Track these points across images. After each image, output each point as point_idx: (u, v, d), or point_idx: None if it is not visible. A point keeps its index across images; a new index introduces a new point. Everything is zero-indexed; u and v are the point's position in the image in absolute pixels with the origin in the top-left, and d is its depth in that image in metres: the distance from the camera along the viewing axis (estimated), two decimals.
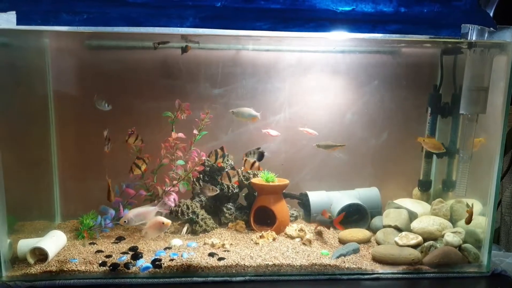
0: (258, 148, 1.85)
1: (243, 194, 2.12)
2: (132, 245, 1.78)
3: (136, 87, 2.03)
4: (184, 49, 1.82)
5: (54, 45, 1.97)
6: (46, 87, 1.98)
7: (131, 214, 1.64)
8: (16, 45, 1.74)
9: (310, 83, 2.11)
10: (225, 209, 2.04)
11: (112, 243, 1.81)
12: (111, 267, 1.58)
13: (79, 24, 1.43)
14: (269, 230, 1.91)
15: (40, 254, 1.62)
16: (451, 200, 1.96)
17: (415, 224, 1.86)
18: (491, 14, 1.66)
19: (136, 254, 1.66)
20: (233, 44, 2.04)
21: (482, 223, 1.74)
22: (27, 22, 1.41)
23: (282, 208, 1.99)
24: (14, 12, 1.40)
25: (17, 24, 1.40)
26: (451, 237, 1.75)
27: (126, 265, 1.59)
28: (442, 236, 1.78)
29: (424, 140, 1.94)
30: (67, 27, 1.46)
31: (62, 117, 2.03)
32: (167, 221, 1.67)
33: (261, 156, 1.84)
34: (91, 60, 2.01)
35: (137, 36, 1.89)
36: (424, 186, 2.10)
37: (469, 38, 1.61)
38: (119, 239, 1.85)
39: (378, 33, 1.52)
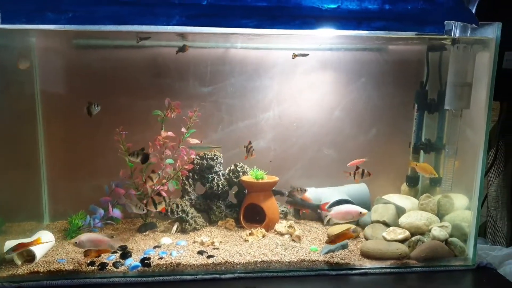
0: (142, 149, 1.79)
1: (233, 192, 2.12)
2: (121, 244, 1.77)
3: (124, 86, 2.03)
4: (182, 49, 1.81)
5: (40, 44, 1.95)
6: (33, 87, 1.97)
7: (84, 237, 1.57)
8: (1, 44, 1.72)
9: (299, 81, 2.13)
10: (215, 207, 2.04)
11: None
12: (99, 267, 1.57)
13: (65, 22, 1.43)
14: (259, 227, 1.92)
15: (28, 255, 1.61)
16: (438, 195, 1.99)
17: (403, 219, 1.88)
18: (473, 11, 1.69)
19: (125, 253, 1.66)
20: (222, 43, 2.04)
21: (468, 217, 1.77)
22: (11, 21, 1.41)
23: (272, 205, 2.01)
24: None
25: (1, 23, 1.39)
26: (438, 231, 1.77)
27: (115, 264, 1.59)
28: (430, 230, 1.80)
29: (416, 165, 1.98)
30: (53, 25, 1.46)
31: (49, 116, 2.02)
32: (364, 211, 1.71)
33: (145, 158, 1.77)
34: (79, 59, 2.00)
35: (124, 34, 1.89)
36: (412, 181, 2.13)
37: (452, 35, 1.64)
38: None
39: (363, 30, 1.54)
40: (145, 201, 1.76)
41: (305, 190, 1.93)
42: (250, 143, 1.95)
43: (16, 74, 1.85)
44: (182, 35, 1.81)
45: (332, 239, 1.67)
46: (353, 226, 1.74)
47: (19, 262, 1.58)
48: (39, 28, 1.53)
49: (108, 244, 1.58)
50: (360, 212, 1.73)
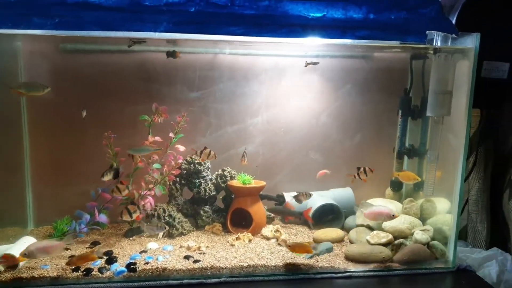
0: (111, 166, 1.80)
1: (221, 197, 2.13)
2: (107, 249, 1.77)
3: (112, 90, 2.02)
4: (172, 54, 1.82)
5: (27, 48, 1.94)
6: None
7: (33, 247, 1.50)
8: None
9: (287, 87, 2.15)
10: (202, 212, 2.05)
11: (87, 248, 1.80)
12: (84, 272, 1.57)
13: (51, 28, 1.42)
14: (246, 232, 1.93)
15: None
16: (421, 199, 2.03)
17: (386, 223, 1.91)
18: (454, 22, 1.75)
19: (111, 259, 1.66)
20: (211, 48, 2.06)
21: (449, 221, 1.81)
22: None
23: (259, 210, 2.02)
24: None
25: None
26: (420, 234, 1.81)
27: (100, 270, 1.58)
28: (412, 234, 1.85)
29: (399, 175, 2.02)
30: (40, 30, 1.46)
31: (35, 121, 2.00)
32: (397, 214, 1.70)
33: (116, 174, 1.78)
34: (65, 64, 1.99)
35: (112, 39, 1.89)
36: (396, 186, 2.17)
37: (434, 44, 1.69)
38: (94, 243, 1.84)
39: (348, 38, 1.57)
40: (120, 213, 1.75)
41: (310, 195, 1.94)
42: (246, 149, 2.00)
43: (1, 79, 1.83)
44: (174, 41, 1.82)
45: (291, 246, 1.67)
46: (314, 244, 1.75)
47: (2, 268, 1.56)
48: (25, 33, 1.53)
49: (61, 248, 1.55)
50: (393, 215, 1.73)
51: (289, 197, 2.09)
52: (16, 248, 1.61)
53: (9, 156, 1.94)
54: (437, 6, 1.60)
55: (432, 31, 1.64)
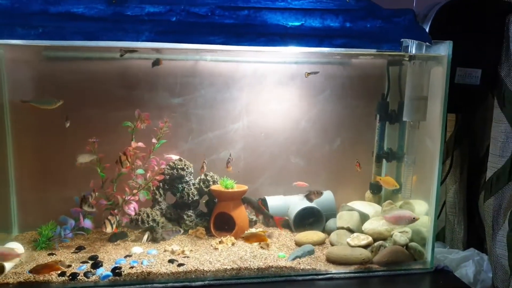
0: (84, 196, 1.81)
1: (204, 201, 2.17)
2: (92, 254, 1.79)
3: (95, 97, 2.04)
4: (156, 62, 1.85)
5: (9, 56, 1.95)
6: (2, 97, 1.96)
7: None
8: None
9: (267, 93, 2.20)
10: (185, 216, 2.07)
11: (72, 253, 1.82)
12: (70, 277, 1.59)
13: (34, 38, 1.44)
14: (229, 236, 1.96)
15: None
16: (400, 201, 2.09)
17: (366, 225, 1.97)
18: (427, 30, 1.81)
19: (96, 263, 1.68)
20: (191, 55, 2.09)
21: (426, 222, 1.87)
22: None
23: (241, 214, 2.06)
24: None
25: None
26: (399, 236, 1.87)
27: (86, 274, 1.60)
28: (391, 236, 1.90)
29: (380, 179, 2.09)
30: (22, 40, 1.48)
31: (19, 127, 2.01)
32: (417, 217, 1.77)
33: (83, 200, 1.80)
34: (48, 71, 2.01)
35: (95, 48, 1.92)
36: (375, 188, 2.22)
37: (409, 52, 1.75)
38: (79, 248, 1.86)
39: (325, 47, 1.61)
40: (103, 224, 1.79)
41: (321, 193, 1.98)
42: (230, 155, 2.04)
43: None
44: (158, 50, 1.85)
45: (246, 237, 1.77)
46: (269, 231, 1.87)
47: None
48: (8, 43, 1.55)
49: (14, 254, 1.59)
50: (414, 218, 1.78)
51: (275, 199, 2.14)
52: None
53: None
54: (410, 15, 1.66)
55: (407, 39, 1.71)
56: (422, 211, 1.95)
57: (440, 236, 2.31)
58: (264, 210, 2.10)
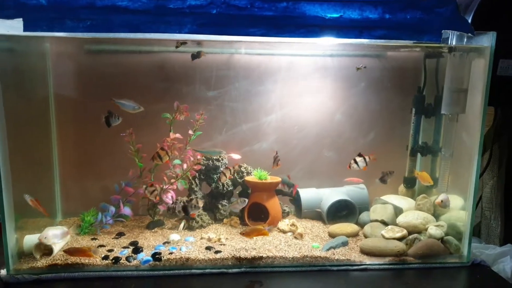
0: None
1: (237, 192, 2.20)
2: (132, 240, 1.85)
3: (134, 89, 2.11)
4: (197, 55, 1.88)
5: (54, 50, 2.03)
6: (47, 90, 2.05)
7: (49, 231, 1.67)
8: (19, 50, 1.80)
9: (301, 86, 2.21)
10: (220, 206, 2.12)
11: (112, 238, 1.89)
12: (113, 260, 1.66)
13: (83, 30, 1.50)
14: (262, 225, 1.99)
15: (45, 249, 1.69)
16: (434, 196, 2.07)
17: (400, 219, 1.96)
18: (470, 21, 1.77)
19: (137, 248, 1.75)
20: (227, 48, 2.12)
21: (462, 217, 1.85)
22: (33, 28, 1.47)
23: (275, 204, 2.09)
24: (18, 19, 1.46)
25: (24, 30, 1.46)
26: (434, 230, 1.85)
27: (128, 259, 1.67)
28: (426, 229, 1.89)
29: (418, 173, 2.07)
30: (71, 33, 1.54)
31: (62, 118, 2.10)
32: None
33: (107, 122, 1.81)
34: (90, 64, 2.08)
35: (135, 41, 1.97)
36: (409, 182, 2.21)
37: (449, 43, 1.72)
38: (119, 234, 1.93)
39: (364, 38, 1.61)
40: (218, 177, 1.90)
41: (393, 172, 2.00)
42: (276, 153, 2.04)
43: (31, 78, 1.93)
44: (198, 42, 1.89)
45: (247, 232, 1.79)
46: (268, 227, 1.91)
47: (37, 256, 1.66)
48: (56, 35, 1.61)
49: (65, 232, 1.70)
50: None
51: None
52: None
53: (39, 152, 2.03)
54: (452, 5, 1.63)
55: (448, 30, 1.68)
56: (457, 205, 1.92)
57: (475, 231, 2.27)
58: (285, 190, 2.15)
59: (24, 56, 1.87)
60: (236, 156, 2.09)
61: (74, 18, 1.49)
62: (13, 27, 1.49)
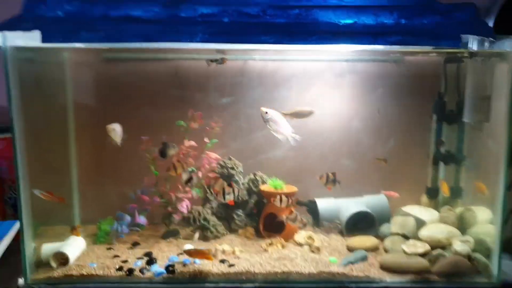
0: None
1: (253, 201, 2.17)
2: (147, 250, 1.85)
3: (150, 96, 2.12)
4: (220, 62, 1.88)
5: (73, 59, 2.08)
6: (66, 98, 2.09)
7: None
8: (39, 60, 1.85)
9: (317, 92, 2.16)
10: (235, 216, 2.09)
11: (127, 248, 1.89)
12: (127, 272, 1.65)
13: (97, 40, 1.53)
14: (278, 237, 1.95)
15: (62, 258, 1.70)
16: (460, 207, 1.97)
17: (423, 232, 1.86)
18: (491, 25, 1.70)
19: (151, 260, 1.74)
20: (240, 55, 2.11)
21: (491, 232, 1.74)
22: (50, 40, 1.51)
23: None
24: (37, 30, 1.50)
25: (42, 41, 1.49)
26: (459, 245, 1.74)
27: (141, 271, 1.66)
28: (450, 244, 1.78)
29: (443, 183, 2.02)
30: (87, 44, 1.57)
31: (81, 126, 2.13)
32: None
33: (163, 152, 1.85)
34: (107, 72, 2.12)
35: (150, 49, 1.99)
36: (432, 193, 2.12)
37: (470, 48, 1.64)
38: (134, 244, 1.93)
39: (379, 44, 1.55)
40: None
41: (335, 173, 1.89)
42: (330, 175, 1.90)
43: (50, 87, 1.98)
44: (222, 51, 1.89)
45: (190, 253, 1.71)
46: (213, 250, 1.78)
47: (54, 265, 1.67)
48: (73, 46, 1.64)
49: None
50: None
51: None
52: (66, 246, 1.74)
53: (58, 159, 2.07)
54: (472, 9, 1.57)
55: (468, 35, 1.61)
56: (485, 219, 1.82)
57: (505, 247, 2.13)
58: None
59: (44, 65, 1.92)
60: (213, 155, 2.05)
61: (89, 30, 1.53)
62: (32, 38, 1.53)
